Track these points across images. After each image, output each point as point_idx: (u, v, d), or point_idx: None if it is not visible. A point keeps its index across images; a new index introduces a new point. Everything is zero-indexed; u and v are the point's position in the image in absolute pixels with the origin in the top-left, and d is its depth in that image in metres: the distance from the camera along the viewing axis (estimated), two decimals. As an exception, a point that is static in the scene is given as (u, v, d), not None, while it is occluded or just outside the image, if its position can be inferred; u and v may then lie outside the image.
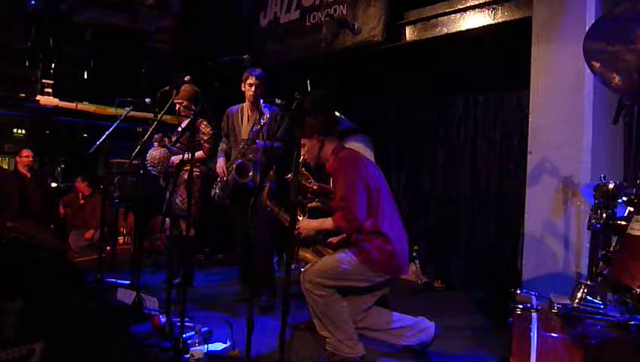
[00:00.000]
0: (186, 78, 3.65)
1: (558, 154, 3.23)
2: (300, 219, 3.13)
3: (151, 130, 3.55)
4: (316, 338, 2.94)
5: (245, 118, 4.08)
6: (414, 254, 4.92)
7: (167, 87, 3.80)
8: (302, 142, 2.87)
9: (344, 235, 2.98)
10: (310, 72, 2.49)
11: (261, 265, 3.92)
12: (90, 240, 6.07)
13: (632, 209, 1.35)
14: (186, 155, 3.32)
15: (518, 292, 2.07)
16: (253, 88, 3.97)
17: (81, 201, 6.32)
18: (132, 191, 4.74)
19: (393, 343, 2.92)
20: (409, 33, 4.62)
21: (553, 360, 1.49)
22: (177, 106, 4.20)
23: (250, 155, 3.93)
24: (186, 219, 3.58)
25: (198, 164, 4.25)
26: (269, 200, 3.40)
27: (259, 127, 3.92)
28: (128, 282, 4.04)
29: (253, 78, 3.96)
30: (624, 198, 1.51)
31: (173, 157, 4.28)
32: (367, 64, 5.16)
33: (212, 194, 4.11)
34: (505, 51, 4.25)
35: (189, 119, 3.85)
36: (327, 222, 2.84)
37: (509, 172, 4.53)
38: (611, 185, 1.53)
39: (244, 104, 4.11)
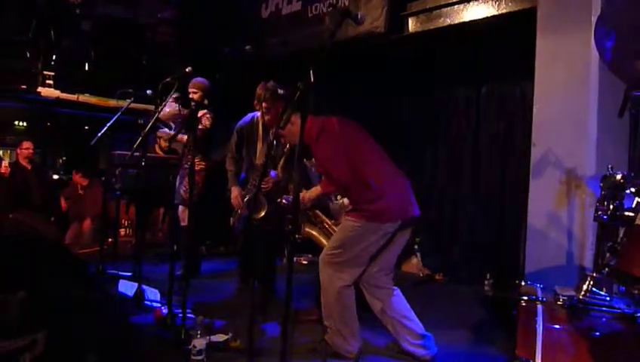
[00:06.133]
0: (187, 70, 3.63)
1: (563, 146, 3.21)
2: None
3: (152, 121, 3.54)
4: (317, 328, 2.95)
5: (260, 138, 3.83)
6: (415, 247, 4.91)
7: (168, 79, 3.78)
8: (281, 133, 2.87)
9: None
10: (313, 63, 2.47)
11: (264, 267, 3.89)
12: (89, 232, 6.06)
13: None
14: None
15: (523, 283, 2.05)
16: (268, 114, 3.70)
17: (80, 192, 6.30)
18: (134, 183, 4.74)
19: (398, 340, 2.91)
20: (412, 24, 4.59)
21: (559, 351, 1.48)
22: (190, 95, 4.19)
23: (264, 186, 3.63)
24: (188, 208, 3.56)
25: (202, 157, 4.26)
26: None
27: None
28: (130, 274, 4.04)
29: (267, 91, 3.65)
30: (632, 189, 1.49)
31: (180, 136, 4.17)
32: (370, 55, 5.13)
33: (231, 222, 3.99)
34: (509, 43, 4.21)
35: (189, 110, 3.85)
36: (318, 189, 2.90)
37: (511, 164, 4.51)
38: (619, 176, 1.51)
39: (257, 117, 3.85)
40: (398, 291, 2.90)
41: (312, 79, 2.73)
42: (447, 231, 5.04)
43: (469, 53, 4.68)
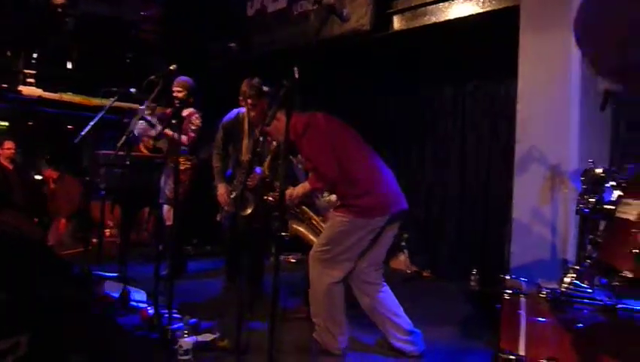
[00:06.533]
0: (171, 67, 3.61)
1: (546, 142, 3.25)
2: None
3: (136, 120, 3.51)
4: (305, 326, 2.95)
5: (246, 135, 3.84)
6: (403, 244, 4.93)
7: (152, 77, 3.75)
8: (266, 130, 2.86)
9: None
10: (298, 60, 2.47)
11: (251, 264, 3.88)
12: (67, 232, 5.94)
13: (620, 193, 1.35)
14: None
15: (507, 277, 2.08)
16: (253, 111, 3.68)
17: (52, 186, 6.06)
18: (118, 182, 4.69)
19: (386, 336, 2.91)
20: (397, 22, 4.60)
21: (541, 344, 1.50)
22: (175, 93, 4.15)
23: (250, 183, 3.64)
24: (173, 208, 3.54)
25: (188, 156, 4.23)
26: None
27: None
28: (116, 274, 4.00)
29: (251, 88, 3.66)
30: (612, 183, 1.51)
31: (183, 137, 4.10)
32: (356, 53, 5.14)
33: (218, 218, 3.99)
34: (493, 40, 4.24)
35: (173, 108, 3.82)
36: (306, 186, 2.90)
37: (497, 161, 4.55)
38: (599, 170, 1.53)
39: (242, 113, 3.86)
40: (387, 287, 2.91)
41: (297, 76, 2.75)
42: (434, 228, 5.07)
43: (454, 52, 4.71)
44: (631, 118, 3.01)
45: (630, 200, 1.30)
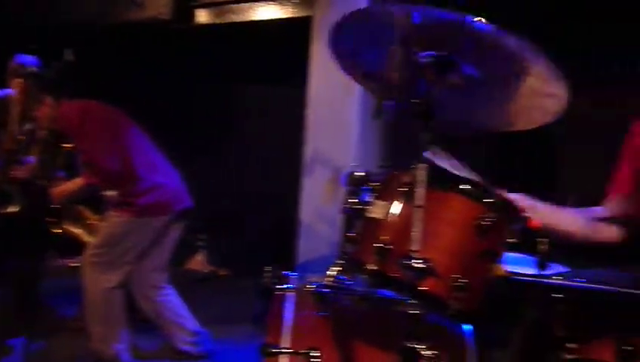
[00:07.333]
0: None
1: (331, 145, 3.51)
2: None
3: None
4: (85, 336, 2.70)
5: (13, 120, 3.10)
6: (200, 243, 4.86)
7: None
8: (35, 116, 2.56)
9: None
10: (81, 42, 2.24)
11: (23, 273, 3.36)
12: None
13: (373, 194, 1.50)
14: None
15: (284, 274, 2.16)
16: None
17: None
18: None
19: (171, 340, 2.82)
20: (201, 16, 4.50)
21: (304, 336, 1.58)
22: None
23: (16, 175, 3.04)
24: None
25: None
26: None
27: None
28: None
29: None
30: (369, 185, 1.66)
31: None
32: (158, 42, 4.89)
33: None
34: (294, 46, 4.43)
35: None
36: (77, 182, 2.64)
37: (293, 162, 4.76)
38: (359, 174, 1.67)
39: (9, 95, 3.08)
40: (171, 289, 2.82)
41: (73, 58, 2.48)
42: (233, 226, 5.09)
43: (258, 53, 4.79)
44: (401, 126, 3.41)
45: (378, 201, 1.43)
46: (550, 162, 3.72)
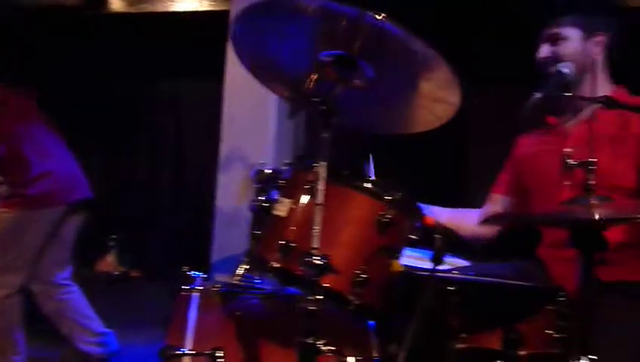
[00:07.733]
0: None
1: (248, 142, 3.46)
2: None
3: None
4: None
5: None
6: (111, 244, 4.63)
7: None
8: None
9: None
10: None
11: None
12: None
13: (280, 192, 1.50)
14: None
15: (191, 274, 2.10)
16: None
17: None
18: None
19: (74, 341, 2.66)
20: (114, 4, 4.31)
21: (209, 337, 1.55)
22: None
23: None
24: None
25: None
26: None
27: None
28: None
29: None
30: (276, 183, 1.65)
31: None
32: (68, 30, 4.60)
33: None
34: (212, 40, 4.33)
35: None
36: None
37: (209, 158, 4.67)
38: (266, 172, 1.66)
39: None
40: (76, 288, 2.66)
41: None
42: (146, 225, 4.92)
43: (174, 45, 4.64)
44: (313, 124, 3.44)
45: (283, 199, 1.43)
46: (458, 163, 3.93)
